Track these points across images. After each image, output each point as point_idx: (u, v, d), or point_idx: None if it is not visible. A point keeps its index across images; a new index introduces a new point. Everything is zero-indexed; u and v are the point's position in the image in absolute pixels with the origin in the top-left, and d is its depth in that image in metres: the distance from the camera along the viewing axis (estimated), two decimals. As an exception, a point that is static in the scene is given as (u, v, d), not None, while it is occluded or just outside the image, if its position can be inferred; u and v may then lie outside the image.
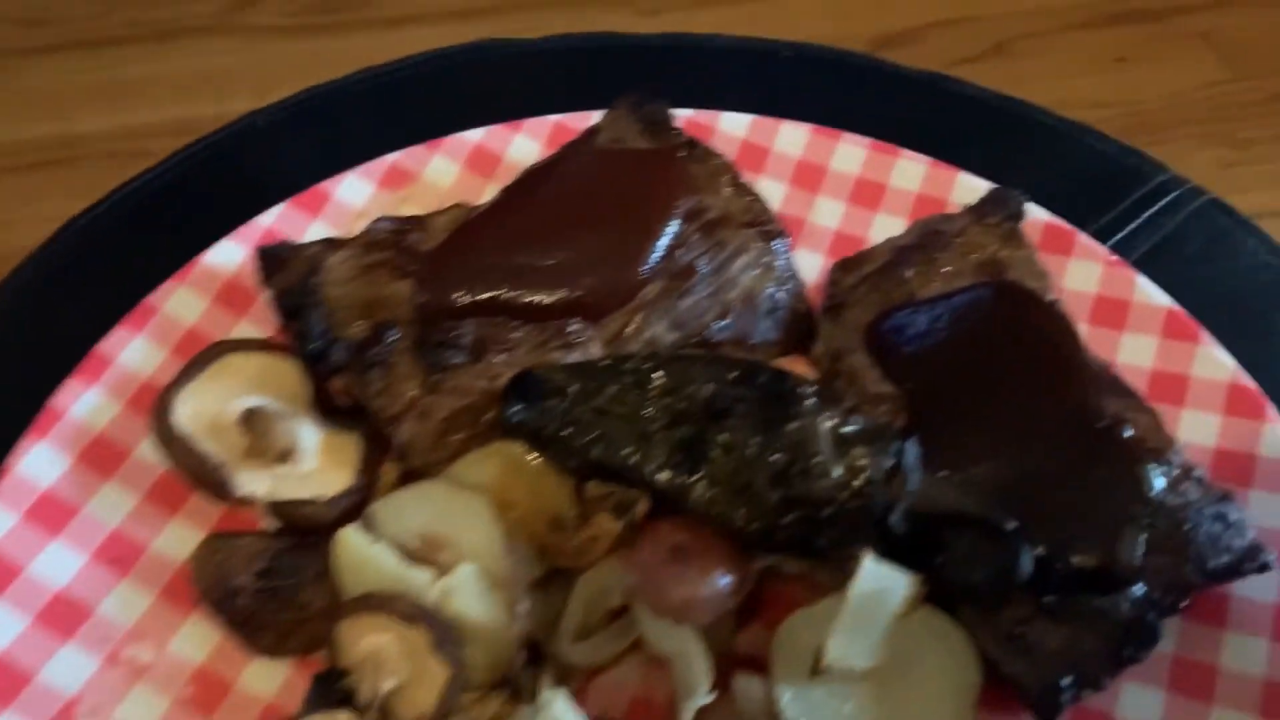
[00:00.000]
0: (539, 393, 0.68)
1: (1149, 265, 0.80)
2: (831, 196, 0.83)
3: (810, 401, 0.64)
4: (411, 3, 2.66)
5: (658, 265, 0.74)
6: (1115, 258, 0.77)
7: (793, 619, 0.64)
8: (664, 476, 0.64)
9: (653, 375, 0.67)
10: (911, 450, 0.63)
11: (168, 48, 2.60)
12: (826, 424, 0.63)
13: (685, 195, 0.76)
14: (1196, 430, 0.69)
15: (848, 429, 0.63)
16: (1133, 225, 0.85)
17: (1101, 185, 0.88)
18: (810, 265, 0.80)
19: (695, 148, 0.79)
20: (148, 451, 0.70)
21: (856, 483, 0.61)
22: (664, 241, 0.74)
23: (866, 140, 0.85)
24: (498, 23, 2.60)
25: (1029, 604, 0.61)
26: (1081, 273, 0.77)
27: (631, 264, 0.74)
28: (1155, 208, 0.86)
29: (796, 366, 0.76)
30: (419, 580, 0.62)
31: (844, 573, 0.64)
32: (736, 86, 0.96)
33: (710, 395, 0.66)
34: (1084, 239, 0.78)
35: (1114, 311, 0.75)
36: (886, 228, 0.81)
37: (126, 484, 0.69)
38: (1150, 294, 0.75)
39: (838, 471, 0.62)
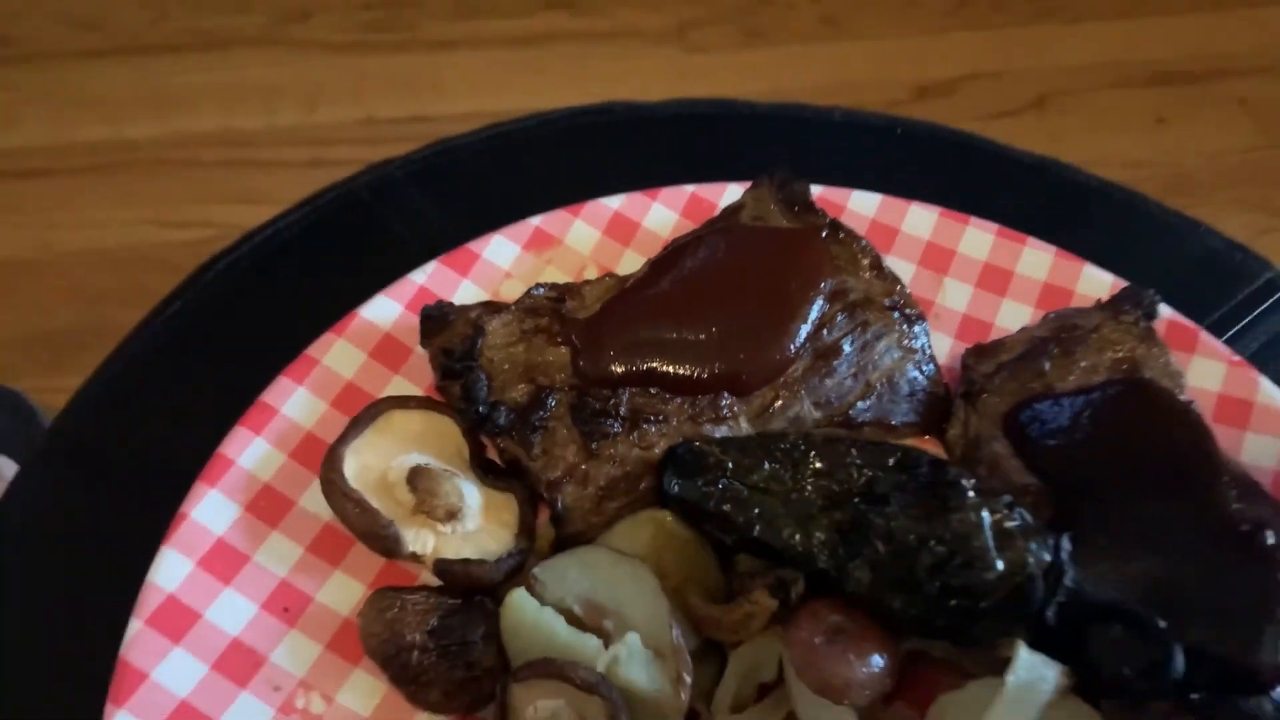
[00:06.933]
0: (696, 466, 0.70)
1: (1263, 361, 0.83)
2: (960, 280, 0.86)
3: (973, 494, 0.66)
4: (457, 28, 2.71)
5: (803, 344, 0.76)
6: (1238, 358, 0.80)
7: (944, 700, 0.66)
8: (824, 559, 0.67)
9: (810, 455, 0.70)
10: (1067, 546, 0.66)
11: (218, 57, 2.63)
12: (989, 517, 0.65)
13: (829, 276, 0.79)
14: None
15: (1009, 523, 0.65)
16: (1244, 321, 0.88)
17: (1211, 280, 0.91)
18: (939, 346, 0.83)
19: (838, 229, 0.81)
20: (310, 502, 0.72)
21: (1017, 576, 0.64)
22: (809, 321, 0.77)
23: (994, 226, 0.88)
24: (545, 50, 2.64)
25: (1172, 700, 0.64)
26: (1205, 370, 0.80)
27: (779, 342, 0.76)
28: (1266, 304, 0.89)
29: (929, 448, 0.79)
30: (588, 647, 0.64)
31: (987, 659, 0.67)
32: (853, 159, 0.99)
33: (868, 480, 0.68)
34: (1206, 337, 0.81)
35: (1238, 411, 0.78)
36: (1013, 314, 0.84)
37: (291, 534, 0.71)
38: (1273, 395, 0.78)
39: (1000, 565, 0.64)
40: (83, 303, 2.16)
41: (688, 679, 0.65)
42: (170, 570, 0.67)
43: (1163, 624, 0.63)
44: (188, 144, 2.43)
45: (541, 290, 0.79)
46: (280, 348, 0.78)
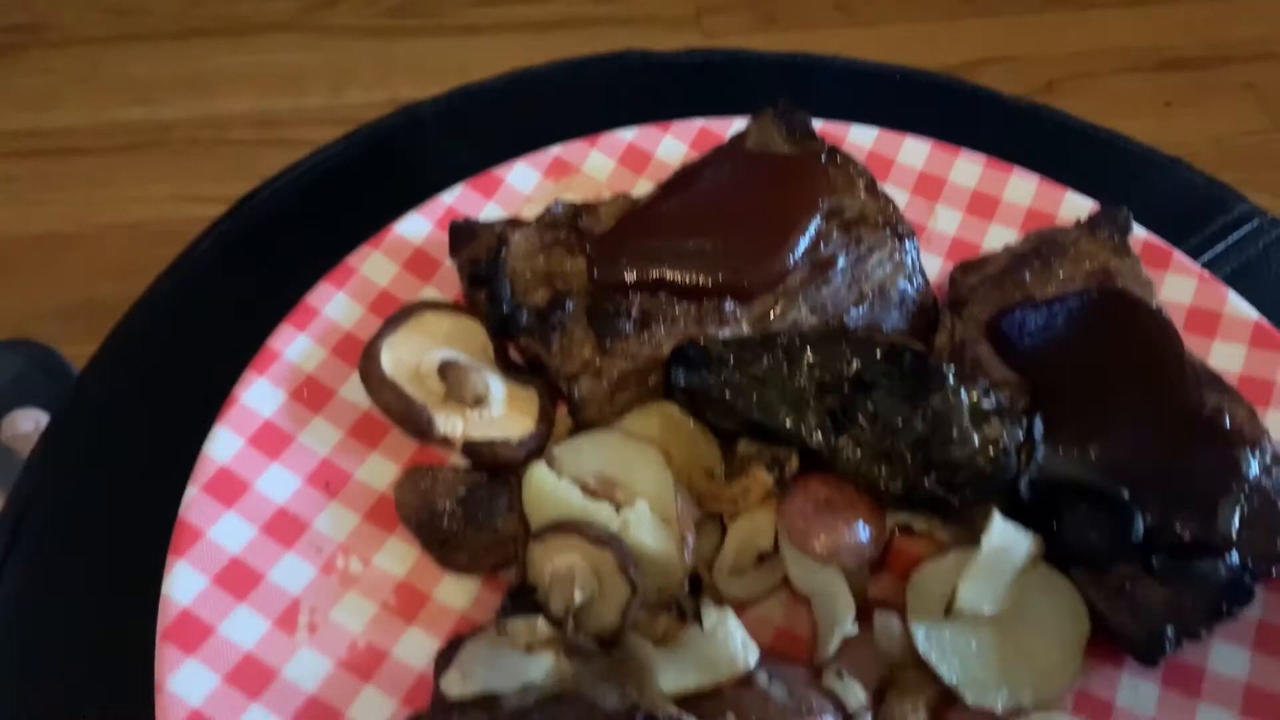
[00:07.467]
0: (701, 361, 0.77)
1: (1234, 284, 0.89)
2: (950, 206, 0.93)
3: (952, 379, 0.73)
4: (481, 14, 2.78)
5: (802, 257, 0.83)
6: (1208, 274, 0.86)
7: (925, 567, 0.72)
8: (817, 438, 0.73)
9: (804, 351, 0.76)
10: (1039, 427, 0.72)
11: (248, 42, 2.71)
12: (967, 398, 0.72)
13: (826, 196, 0.85)
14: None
15: (985, 404, 0.72)
16: (1219, 248, 0.94)
17: (1190, 211, 0.97)
18: (930, 265, 0.89)
19: (835, 154, 0.88)
20: (349, 392, 0.79)
21: (992, 451, 0.70)
22: (807, 236, 0.83)
23: (982, 157, 0.94)
24: (566, 35, 2.72)
25: (1135, 565, 0.70)
26: (1177, 285, 0.86)
27: (778, 254, 0.82)
28: (1239, 233, 0.95)
29: (918, 354, 0.85)
30: (601, 514, 0.71)
31: (965, 532, 0.73)
32: (853, 102, 1.05)
33: (858, 370, 0.75)
34: (1180, 256, 0.87)
35: (1206, 321, 0.84)
36: (999, 236, 0.90)
37: (332, 420, 0.78)
38: (1240, 308, 0.84)
39: (975, 440, 0.71)
40: (119, 275, 2.23)
41: (690, 540, 0.71)
42: (223, 446, 0.74)
43: (1124, 495, 0.69)
44: (220, 124, 2.52)
45: (560, 207, 0.85)
46: (319, 265, 0.86)
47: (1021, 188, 0.92)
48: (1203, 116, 2.62)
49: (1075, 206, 0.90)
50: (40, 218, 2.34)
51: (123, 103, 2.58)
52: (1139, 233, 0.88)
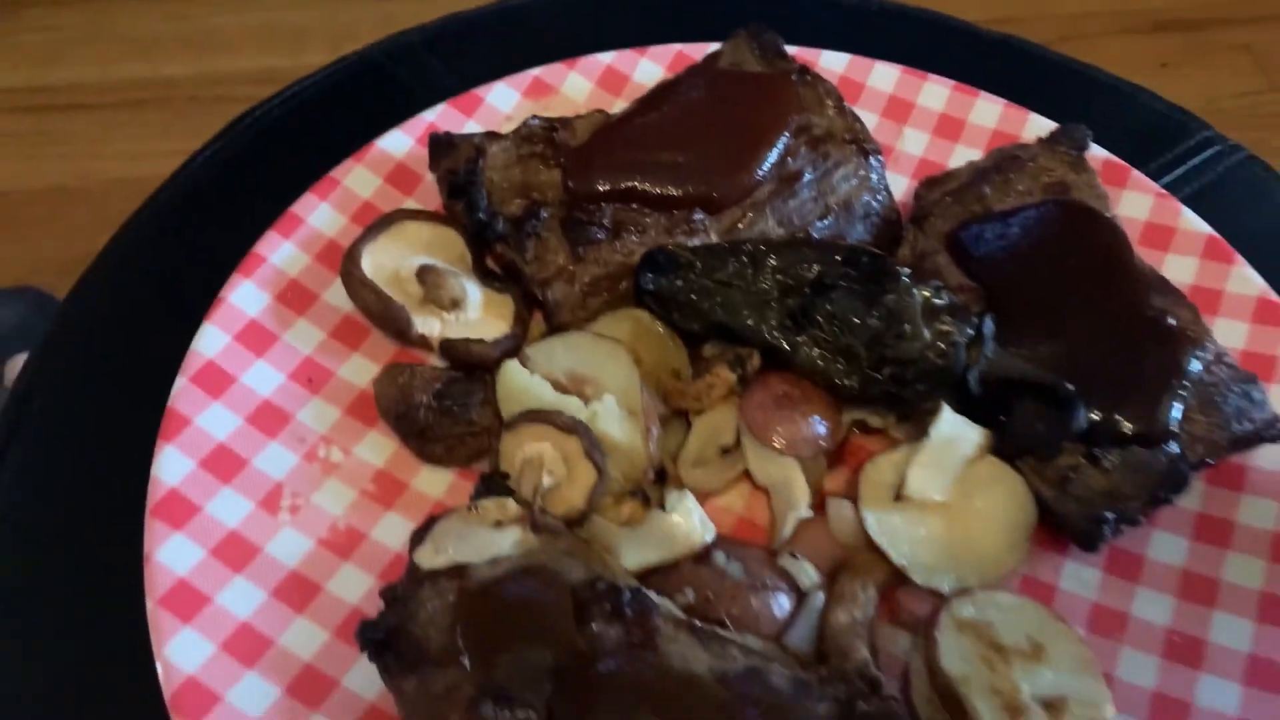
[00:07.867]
0: (670, 266, 0.80)
1: (1193, 205, 0.92)
2: (917, 128, 0.95)
3: (906, 278, 0.76)
4: (481, -28, 2.79)
5: (769, 170, 0.86)
6: (1164, 191, 0.89)
7: (878, 458, 0.76)
8: (777, 336, 0.77)
9: (768, 256, 0.79)
10: (989, 324, 0.75)
11: (250, 1, 2.73)
12: (920, 296, 0.75)
13: (795, 113, 0.88)
14: (1228, 334, 0.81)
15: (937, 301, 0.75)
16: (1178, 171, 0.97)
17: (1152, 136, 1.00)
18: (897, 185, 0.92)
19: (805, 74, 0.91)
20: (332, 296, 0.83)
21: (942, 344, 0.73)
22: (775, 150, 0.86)
23: (950, 82, 0.96)
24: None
25: (1079, 455, 0.73)
26: (1134, 202, 0.89)
27: (747, 167, 0.85)
28: (1199, 158, 0.98)
29: (882, 267, 0.88)
30: (570, 406, 0.74)
31: (919, 430, 0.76)
32: (830, 33, 1.08)
33: (818, 273, 0.78)
34: (1136, 174, 0.90)
35: (1160, 236, 0.87)
36: (965, 157, 0.93)
37: (315, 322, 0.82)
38: (1193, 223, 0.87)
39: (927, 335, 0.74)
40: (121, 229, 2.28)
41: (655, 431, 0.74)
42: (210, 341, 0.78)
43: (1069, 387, 0.72)
44: (221, 81, 2.54)
45: (537, 121, 0.88)
46: (305, 183, 0.89)
47: (987, 111, 0.95)
48: (1199, 78, 2.63)
49: (1039, 128, 0.93)
50: (44, 172, 2.37)
51: (125, 59, 2.60)
52: (1098, 153, 0.90)
